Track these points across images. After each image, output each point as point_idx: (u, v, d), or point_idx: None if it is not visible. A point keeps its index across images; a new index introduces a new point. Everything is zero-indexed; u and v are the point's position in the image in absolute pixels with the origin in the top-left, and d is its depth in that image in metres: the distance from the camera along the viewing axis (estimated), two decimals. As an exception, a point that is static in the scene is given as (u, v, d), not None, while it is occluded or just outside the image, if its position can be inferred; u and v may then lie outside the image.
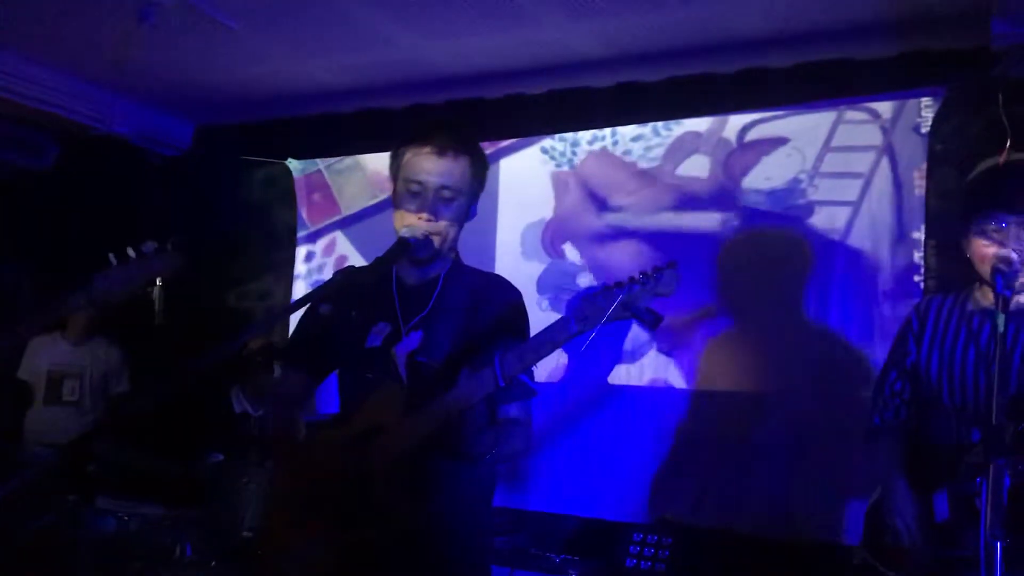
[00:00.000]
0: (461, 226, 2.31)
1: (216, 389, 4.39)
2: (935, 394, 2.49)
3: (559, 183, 4.70)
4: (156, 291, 4.21)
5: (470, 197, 2.28)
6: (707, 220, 4.29)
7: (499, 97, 4.82)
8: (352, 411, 2.24)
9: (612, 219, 4.53)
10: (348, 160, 5.28)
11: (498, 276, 2.42)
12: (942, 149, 3.86)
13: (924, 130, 3.89)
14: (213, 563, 3.63)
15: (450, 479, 2.19)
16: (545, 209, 4.72)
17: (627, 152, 4.55)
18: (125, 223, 5.46)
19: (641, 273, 1.89)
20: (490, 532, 2.35)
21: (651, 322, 1.88)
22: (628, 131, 4.57)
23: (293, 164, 5.40)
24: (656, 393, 4.29)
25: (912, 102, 3.92)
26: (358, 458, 2.10)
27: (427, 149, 2.22)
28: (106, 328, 4.93)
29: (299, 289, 5.27)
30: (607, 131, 4.62)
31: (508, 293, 2.34)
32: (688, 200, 4.35)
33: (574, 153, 4.69)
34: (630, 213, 4.49)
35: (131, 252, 2.34)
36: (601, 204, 4.58)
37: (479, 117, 4.83)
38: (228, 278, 5.51)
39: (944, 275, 3.73)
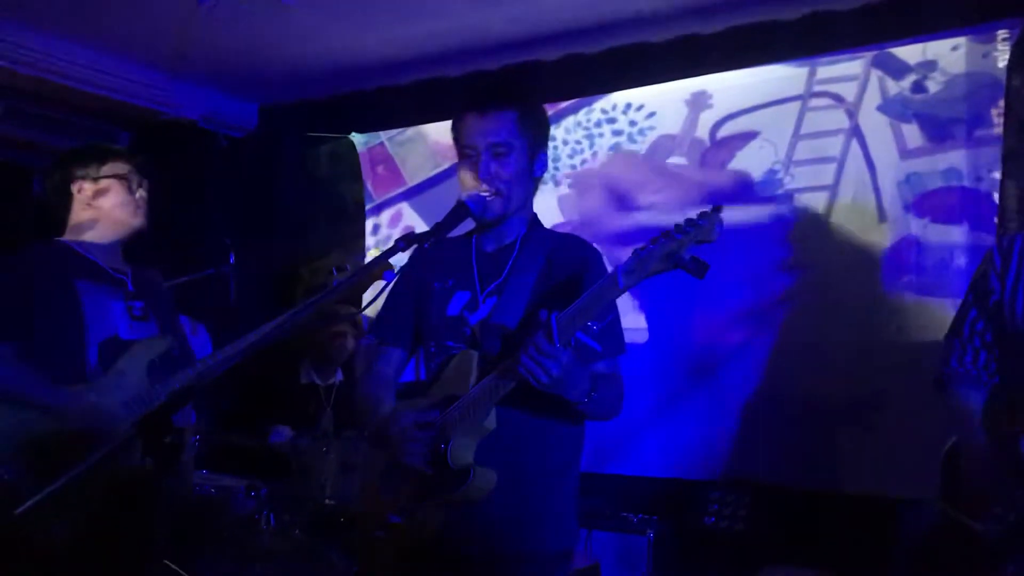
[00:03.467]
0: (527, 184, 2.30)
1: (285, 361, 4.48)
2: (1021, 330, 2.39)
3: (580, 185, 4.73)
4: (232, 271, 4.32)
5: (526, 150, 2.25)
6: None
7: (557, 58, 4.76)
8: (434, 379, 2.28)
9: (638, 218, 4.55)
10: (410, 131, 5.29)
11: (574, 236, 2.40)
12: (1021, 83, 3.69)
13: (1002, 64, 3.72)
14: (296, 532, 3.72)
15: (536, 440, 2.20)
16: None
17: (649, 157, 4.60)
18: (197, 207, 5.59)
19: (685, 220, 1.85)
20: (576, 493, 2.34)
21: (696, 271, 1.82)
22: (606, 141, 4.65)
23: (356, 138, 5.44)
24: (732, 351, 4.23)
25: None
26: (440, 425, 2.14)
27: (472, 113, 2.24)
28: (188, 308, 5.05)
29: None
30: (585, 144, 4.70)
31: (581, 251, 2.32)
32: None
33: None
34: (657, 211, 4.49)
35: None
36: (623, 203, 4.60)
37: (538, 80, 4.78)
38: (299, 255, 5.59)
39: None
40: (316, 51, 4.89)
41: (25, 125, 5.26)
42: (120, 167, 2.80)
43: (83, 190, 2.77)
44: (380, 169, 5.39)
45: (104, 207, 2.77)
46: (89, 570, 2.55)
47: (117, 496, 2.53)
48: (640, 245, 1.89)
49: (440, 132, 5.05)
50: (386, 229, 5.33)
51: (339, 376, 4.61)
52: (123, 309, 2.70)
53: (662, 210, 4.42)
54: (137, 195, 2.81)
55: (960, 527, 2.36)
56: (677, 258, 1.83)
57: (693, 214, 1.86)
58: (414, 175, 5.26)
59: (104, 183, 2.77)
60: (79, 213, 2.77)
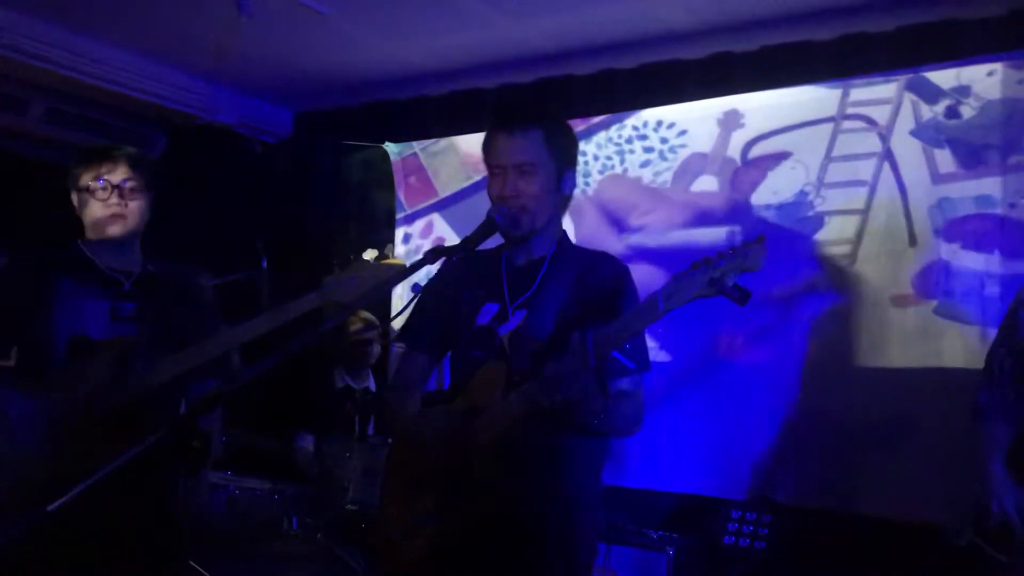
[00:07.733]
0: (554, 201, 2.32)
1: (316, 367, 4.52)
2: None
3: (574, 209, 4.73)
4: (263, 275, 4.37)
5: (553, 168, 2.28)
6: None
7: (589, 73, 4.79)
8: (461, 389, 2.31)
9: (631, 240, 4.60)
10: (443, 142, 5.34)
11: (604, 253, 2.42)
12: (1057, 111, 3.67)
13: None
14: (319, 535, 3.75)
15: (557, 453, 2.21)
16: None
17: (638, 179, 4.64)
18: (231, 211, 5.66)
19: (730, 248, 1.86)
20: (598, 507, 2.35)
21: (739, 298, 1.83)
22: (637, 158, 4.67)
23: (390, 147, 5.48)
24: (757, 370, 4.22)
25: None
26: (463, 435, 2.16)
27: (498, 132, 2.28)
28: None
29: (397, 270, 5.34)
30: (616, 160, 4.73)
31: (612, 268, 2.34)
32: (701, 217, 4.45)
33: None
34: (646, 233, 4.57)
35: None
36: (619, 226, 4.65)
37: (570, 94, 4.81)
38: (330, 261, 5.62)
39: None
40: (352, 60, 4.95)
41: (65, 126, 5.36)
42: (107, 168, 2.77)
43: (78, 192, 2.79)
44: (412, 179, 5.43)
45: (94, 209, 2.77)
46: (114, 569, 2.60)
47: (141, 493, 2.57)
48: (681, 269, 1.90)
49: (472, 144, 5.08)
50: (417, 239, 5.37)
51: (371, 381, 4.65)
52: (106, 309, 2.72)
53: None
54: (127, 198, 2.77)
55: (985, 557, 2.35)
56: (720, 285, 1.84)
57: (737, 242, 1.87)
58: (446, 186, 5.30)
59: (92, 185, 2.76)
60: (83, 213, 2.80)
